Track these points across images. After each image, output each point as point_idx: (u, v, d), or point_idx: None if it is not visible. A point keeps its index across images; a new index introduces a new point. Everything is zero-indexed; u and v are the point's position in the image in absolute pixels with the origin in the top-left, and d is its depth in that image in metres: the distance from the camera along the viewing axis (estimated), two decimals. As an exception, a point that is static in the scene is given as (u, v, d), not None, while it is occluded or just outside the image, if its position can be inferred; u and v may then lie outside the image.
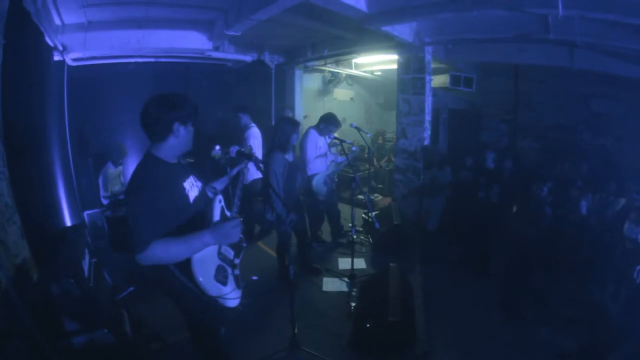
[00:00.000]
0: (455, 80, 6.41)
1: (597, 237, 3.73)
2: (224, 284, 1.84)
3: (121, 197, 4.57)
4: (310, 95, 9.00)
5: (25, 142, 3.19)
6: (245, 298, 1.99)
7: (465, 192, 5.11)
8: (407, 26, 5.14)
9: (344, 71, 8.63)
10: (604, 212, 4.04)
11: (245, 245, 2.08)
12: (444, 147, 7.35)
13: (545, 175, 4.87)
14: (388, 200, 6.74)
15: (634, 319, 2.89)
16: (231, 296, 1.85)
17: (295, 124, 3.75)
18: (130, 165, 5.29)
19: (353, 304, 3.57)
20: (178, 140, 1.79)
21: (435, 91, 6.25)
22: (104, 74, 5.37)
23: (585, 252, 3.66)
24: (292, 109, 7.70)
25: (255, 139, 5.15)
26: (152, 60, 5.75)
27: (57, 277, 2.16)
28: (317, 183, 4.58)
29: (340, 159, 4.79)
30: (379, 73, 9.15)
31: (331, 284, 4.10)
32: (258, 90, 7.40)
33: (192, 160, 2.24)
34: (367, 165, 7.32)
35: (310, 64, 7.71)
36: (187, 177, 1.93)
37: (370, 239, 5.31)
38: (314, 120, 4.59)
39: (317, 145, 4.67)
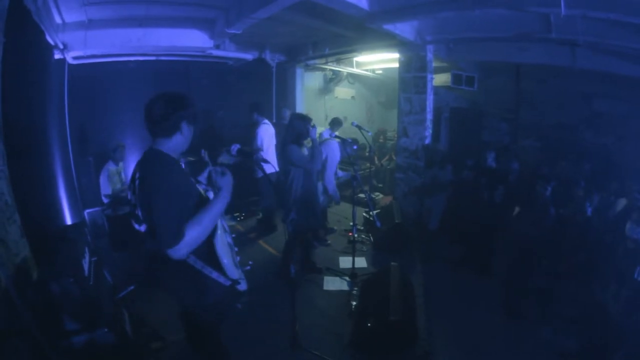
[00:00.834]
0: (456, 79, 6.40)
1: (599, 237, 3.72)
2: (237, 267, 1.95)
3: (124, 195, 4.55)
4: (312, 93, 8.99)
5: (26, 140, 3.19)
6: (244, 296, 2.02)
7: (467, 191, 5.10)
8: (408, 25, 5.12)
9: (345, 70, 8.60)
10: (606, 212, 4.03)
11: (234, 235, 2.16)
12: (445, 146, 7.33)
13: (548, 175, 4.86)
14: (389, 199, 6.73)
15: (635, 319, 2.89)
16: (242, 278, 1.96)
17: (307, 119, 3.84)
18: (131, 163, 5.30)
19: (354, 303, 3.56)
20: (183, 138, 1.82)
21: (437, 90, 6.23)
22: (105, 73, 5.35)
23: (587, 252, 3.65)
24: (293, 107, 7.70)
25: (266, 134, 5.22)
26: (153, 58, 5.73)
27: (57, 276, 2.16)
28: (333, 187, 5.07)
29: (341, 173, 5.03)
30: (380, 72, 9.13)
31: (332, 283, 4.09)
32: (259, 88, 7.38)
33: (192, 159, 2.23)
34: (368, 164, 7.33)
35: (312, 62, 7.69)
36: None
37: (372, 237, 5.30)
38: (314, 118, 4.61)
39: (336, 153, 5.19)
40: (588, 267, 3.59)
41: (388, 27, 4.63)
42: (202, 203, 1.81)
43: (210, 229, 1.75)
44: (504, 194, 4.62)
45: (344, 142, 4.51)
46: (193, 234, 1.63)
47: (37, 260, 2.53)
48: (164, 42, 5.15)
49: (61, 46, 4.48)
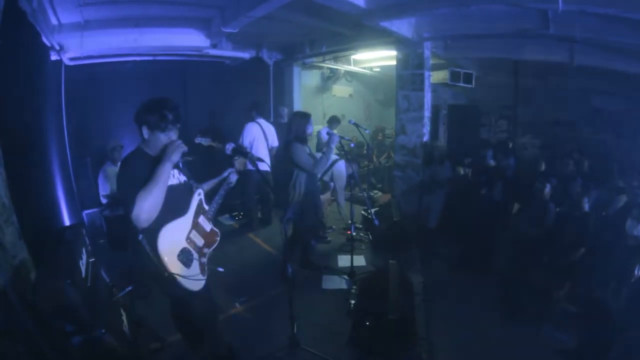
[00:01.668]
0: (454, 76, 6.39)
1: (599, 234, 3.72)
2: (187, 266, 2.03)
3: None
4: (309, 92, 8.96)
5: (23, 142, 3.18)
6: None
7: (466, 189, 5.10)
8: (405, 22, 5.11)
9: (342, 67, 8.59)
10: (606, 209, 4.02)
11: (218, 239, 2.32)
12: (443, 143, 7.34)
13: (548, 172, 4.86)
14: (387, 197, 6.72)
15: (635, 315, 2.89)
16: (192, 278, 2.04)
17: (306, 116, 3.87)
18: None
19: (352, 302, 3.56)
20: (147, 141, 2.03)
21: (435, 87, 6.22)
22: (102, 73, 5.35)
23: (587, 249, 3.65)
24: (291, 106, 7.69)
25: (249, 134, 5.28)
26: (150, 58, 5.73)
27: (55, 277, 2.15)
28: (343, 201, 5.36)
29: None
30: (378, 69, 9.11)
31: (330, 282, 4.09)
32: (256, 87, 7.37)
33: (190, 159, 2.24)
34: (366, 162, 7.32)
35: (309, 60, 7.69)
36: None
37: (370, 236, 5.30)
38: (313, 117, 4.62)
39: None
40: (588, 265, 3.58)
41: (385, 24, 4.63)
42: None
43: (160, 195, 1.87)
44: (503, 191, 4.63)
45: (341, 140, 4.50)
46: (141, 201, 1.81)
47: (35, 262, 2.53)
48: (161, 42, 5.14)
49: (57, 47, 4.47)
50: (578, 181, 4.09)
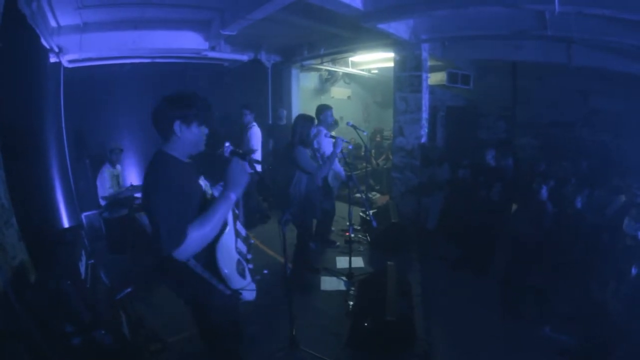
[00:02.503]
0: (452, 77, 6.42)
1: (598, 234, 3.72)
2: (244, 276, 1.88)
3: (121, 197, 4.54)
4: (307, 94, 8.98)
5: (22, 144, 3.19)
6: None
7: (464, 190, 5.10)
8: (403, 24, 5.14)
9: (340, 70, 8.62)
10: (605, 210, 4.03)
11: (252, 242, 2.15)
12: (441, 144, 7.35)
13: (546, 173, 4.87)
14: (386, 198, 6.73)
15: (634, 316, 2.89)
16: (249, 288, 1.91)
17: (311, 119, 3.87)
18: (128, 166, 5.32)
19: (351, 303, 3.56)
20: (182, 140, 1.74)
21: (433, 89, 6.24)
22: (101, 76, 5.36)
23: (584, 249, 3.65)
24: (289, 108, 7.70)
25: (256, 138, 5.30)
26: (149, 61, 5.74)
27: (54, 279, 2.16)
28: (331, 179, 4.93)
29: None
30: (376, 71, 9.15)
31: (329, 283, 4.10)
32: (255, 89, 7.40)
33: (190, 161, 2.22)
34: (364, 164, 7.32)
35: (307, 62, 7.71)
36: (199, 176, 1.92)
37: (368, 237, 5.29)
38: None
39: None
40: (586, 265, 3.58)
41: (382, 26, 4.65)
42: (207, 204, 1.75)
43: (215, 232, 1.67)
44: (502, 192, 4.63)
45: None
46: (195, 237, 1.57)
47: (35, 264, 2.54)
48: (159, 44, 5.17)
49: (57, 50, 4.49)
50: (572, 181, 4.10)
